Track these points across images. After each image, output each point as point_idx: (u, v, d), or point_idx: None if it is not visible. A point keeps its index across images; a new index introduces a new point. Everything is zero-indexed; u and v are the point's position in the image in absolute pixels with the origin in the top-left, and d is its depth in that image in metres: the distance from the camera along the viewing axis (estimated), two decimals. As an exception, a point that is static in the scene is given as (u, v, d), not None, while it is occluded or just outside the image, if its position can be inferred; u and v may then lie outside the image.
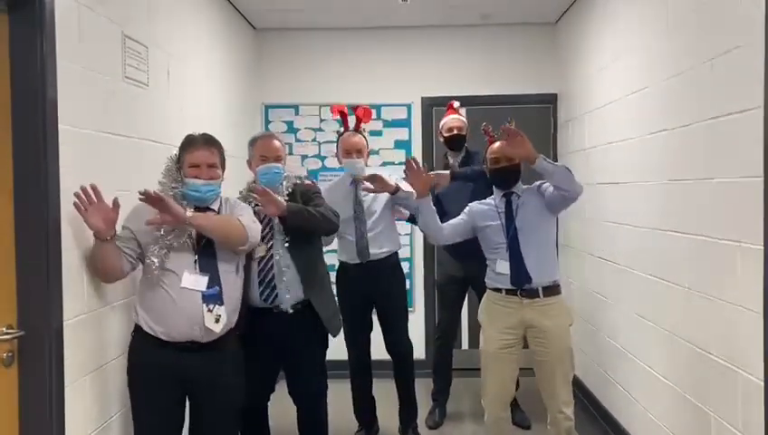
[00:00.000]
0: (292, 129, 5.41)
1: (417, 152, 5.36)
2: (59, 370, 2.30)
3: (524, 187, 3.27)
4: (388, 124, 5.37)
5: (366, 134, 3.85)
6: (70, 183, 2.36)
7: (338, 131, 3.96)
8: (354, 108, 3.87)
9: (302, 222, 2.99)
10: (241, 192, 3.21)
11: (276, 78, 5.39)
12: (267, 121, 5.41)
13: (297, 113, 5.42)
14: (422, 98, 5.37)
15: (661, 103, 3.20)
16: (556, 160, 5.25)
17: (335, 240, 3.80)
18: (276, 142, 3.16)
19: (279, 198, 2.95)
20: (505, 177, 3.22)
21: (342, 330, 3.77)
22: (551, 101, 5.32)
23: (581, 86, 4.63)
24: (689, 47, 2.87)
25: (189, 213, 2.48)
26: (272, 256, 3.03)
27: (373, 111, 4.01)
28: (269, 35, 5.38)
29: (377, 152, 5.27)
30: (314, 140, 5.43)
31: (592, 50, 4.38)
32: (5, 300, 2.21)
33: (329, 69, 5.38)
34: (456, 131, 4.16)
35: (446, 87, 5.28)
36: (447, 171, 3.99)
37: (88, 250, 2.52)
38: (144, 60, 3.05)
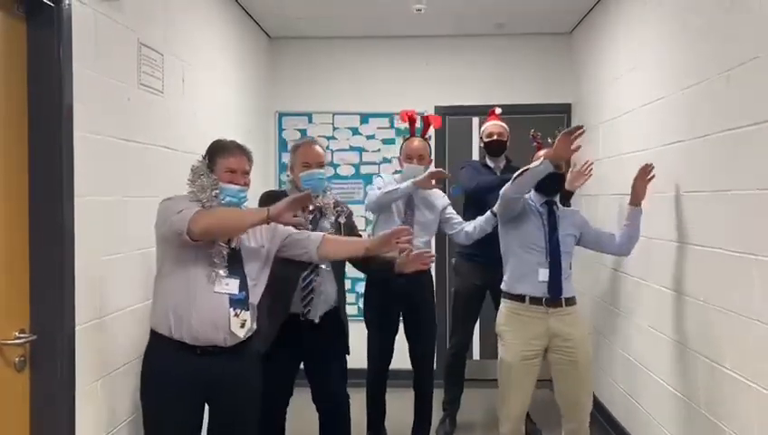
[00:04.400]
0: (305, 137, 5.42)
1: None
2: (70, 374, 2.31)
3: (560, 205, 3.32)
4: (401, 132, 5.36)
5: (430, 141, 3.90)
6: (84, 188, 2.38)
7: (404, 136, 4.01)
8: (424, 116, 3.92)
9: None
10: (287, 182, 3.20)
11: (290, 86, 5.41)
12: (281, 129, 5.43)
13: (310, 121, 5.44)
14: (436, 107, 5.36)
15: (676, 114, 3.17)
16: (569, 169, 5.23)
17: None
18: (318, 148, 3.19)
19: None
20: (551, 183, 3.20)
21: (367, 335, 3.82)
22: (565, 110, 5.30)
23: (596, 96, 4.61)
24: (705, 58, 2.85)
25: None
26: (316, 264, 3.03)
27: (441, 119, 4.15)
28: (283, 44, 5.41)
29: (389, 160, 5.28)
30: (327, 147, 5.44)
31: (607, 60, 4.36)
32: (18, 304, 2.22)
33: (342, 77, 5.39)
34: (496, 137, 4.12)
35: (461, 96, 5.28)
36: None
37: (100, 256, 2.53)
38: (159, 67, 3.08)
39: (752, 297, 2.44)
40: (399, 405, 4.05)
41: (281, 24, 5.10)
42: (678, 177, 3.14)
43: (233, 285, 2.49)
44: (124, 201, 2.72)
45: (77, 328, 2.35)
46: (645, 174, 3.21)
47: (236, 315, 2.48)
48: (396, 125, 5.33)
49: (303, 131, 5.41)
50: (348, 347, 3.27)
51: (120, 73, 2.70)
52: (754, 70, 2.43)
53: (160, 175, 3.03)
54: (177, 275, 2.45)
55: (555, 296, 3.12)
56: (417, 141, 3.80)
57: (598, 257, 4.49)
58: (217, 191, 2.49)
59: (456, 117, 5.35)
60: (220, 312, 2.45)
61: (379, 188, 3.70)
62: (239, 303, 2.49)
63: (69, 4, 2.29)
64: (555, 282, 3.13)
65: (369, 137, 5.42)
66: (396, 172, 5.15)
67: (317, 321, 3.06)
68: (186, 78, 3.43)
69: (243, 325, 2.49)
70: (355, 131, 5.43)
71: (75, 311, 2.33)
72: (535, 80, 5.31)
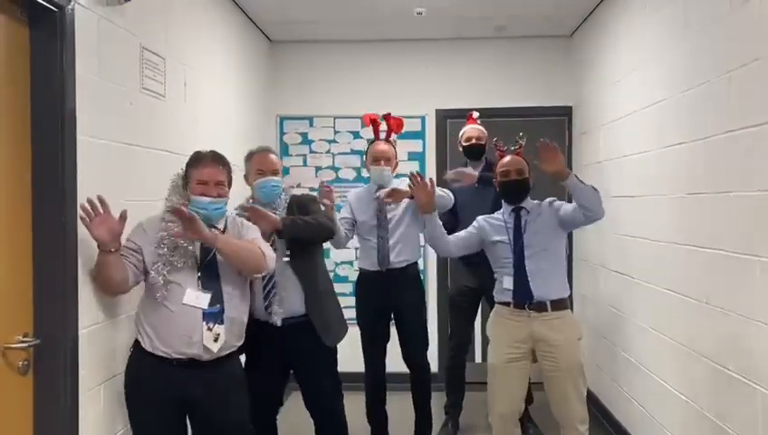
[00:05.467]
0: (306, 140, 5.43)
1: (430, 164, 5.36)
2: (73, 378, 2.31)
3: (533, 202, 3.28)
4: (401, 136, 5.29)
5: (395, 143, 3.90)
6: (87, 193, 2.38)
7: (368, 140, 4.02)
8: (386, 116, 3.88)
9: (298, 232, 3.03)
10: (236, 209, 3.13)
11: (291, 90, 5.42)
12: (282, 133, 5.44)
13: (311, 125, 5.45)
14: (436, 110, 5.38)
15: (678, 116, 3.18)
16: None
17: (352, 246, 3.88)
18: (273, 157, 3.17)
19: (270, 213, 2.97)
20: (514, 190, 3.23)
21: (360, 339, 3.81)
22: (566, 113, 5.31)
23: (597, 99, 4.62)
24: (706, 60, 2.86)
25: (214, 234, 2.49)
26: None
27: (404, 121, 4.03)
28: (284, 48, 5.42)
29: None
30: (328, 151, 5.45)
31: (607, 62, 4.37)
32: (22, 309, 2.22)
33: (343, 81, 5.40)
34: (474, 141, 4.16)
35: (461, 99, 5.28)
36: (475, 172, 4.02)
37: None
38: (161, 71, 3.08)
39: (755, 299, 2.44)
40: (400, 409, 4.05)
41: (282, 28, 5.11)
42: (680, 178, 3.14)
43: (203, 300, 2.47)
44: (126, 205, 2.71)
45: (80, 332, 2.35)
46: (544, 148, 3.00)
47: (209, 329, 2.46)
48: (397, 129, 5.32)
49: (304, 135, 5.42)
50: (335, 339, 3.20)
51: (122, 77, 2.71)
52: (755, 71, 2.44)
53: (162, 179, 3.03)
54: (152, 289, 2.49)
55: (522, 302, 3.12)
56: (381, 144, 3.81)
57: (600, 260, 4.50)
58: (187, 204, 2.51)
59: (456, 120, 5.35)
60: (193, 325, 2.45)
61: (347, 213, 3.79)
62: (212, 316, 2.47)
63: (72, 9, 2.30)
64: (521, 286, 3.12)
65: (371, 140, 5.41)
66: (397, 177, 5.18)
67: (279, 324, 3.02)
68: (187, 82, 3.44)
69: (216, 339, 2.47)
70: (356, 135, 5.43)
71: (78, 315, 2.33)
72: (536, 83, 5.32)
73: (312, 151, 5.44)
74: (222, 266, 2.56)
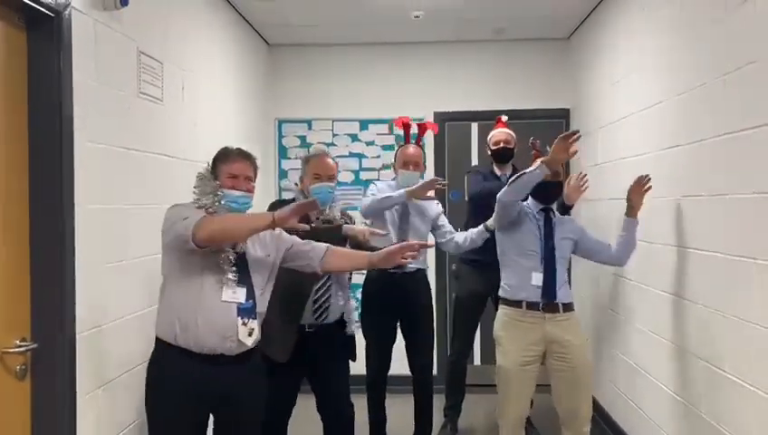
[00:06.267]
0: (304, 143, 5.44)
1: (429, 166, 5.33)
2: (71, 382, 2.32)
3: (558, 214, 3.36)
4: (400, 138, 5.37)
5: (424, 148, 3.94)
6: (84, 197, 2.40)
7: (398, 143, 4.05)
8: (421, 125, 3.93)
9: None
10: (296, 192, 3.24)
11: (289, 93, 5.43)
12: (280, 136, 5.45)
13: (310, 128, 5.46)
14: (435, 113, 5.38)
15: (674, 119, 3.18)
16: (568, 174, 5.25)
17: None
18: (330, 161, 3.16)
19: None
20: (548, 191, 3.24)
21: (364, 340, 3.81)
22: (563, 115, 5.32)
23: (594, 101, 4.62)
24: (702, 62, 2.86)
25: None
26: (329, 277, 3.04)
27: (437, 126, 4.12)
28: (282, 51, 5.43)
29: (389, 167, 5.28)
30: (327, 154, 5.45)
31: (605, 65, 4.38)
32: (19, 313, 2.23)
33: (342, 84, 5.41)
34: (502, 144, 4.15)
35: (459, 102, 5.29)
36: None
37: (100, 264, 2.54)
38: (159, 76, 3.09)
39: (751, 300, 2.45)
40: (400, 411, 4.05)
41: (280, 32, 5.12)
42: (677, 181, 3.14)
43: (240, 294, 2.45)
44: (124, 209, 2.73)
45: (78, 336, 2.35)
46: (640, 185, 3.21)
47: (244, 324, 2.44)
48: (396, 131, 5.34)
49: (303, 138, 5.43)
50: (354, 354, 3.27)
51: (119, 82, 2.72)
52: (751, 74, 2.44)
53: (160, 183, 3.04)
54: (183, 283, 2.41)
55: (549, 300, 3.14)
56: (412, 148, 3.82)
57: (598, 262, 4.50)
58: (219, 196, 2.47)
59: (455, 123, 5.37)
60: (228, 321, 2.42)
61: (374, 195, 3.69)
62: (247, 311, 2.46)
63: (68, 14, 2.31)
64: (549, 287, 3.15)
65: (369, 143, 5.44)
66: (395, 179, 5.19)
67: (316, 331, 3.06)
68: (185, 86, 3.45)
69: (250, 334, 2.46)
70: (354, 138, 5.44)
71: (76, 319, 2.34)
72: (534, 85, 5.33)
73: (310, 154, 5.44)
74: (252, 261, 2.54)
